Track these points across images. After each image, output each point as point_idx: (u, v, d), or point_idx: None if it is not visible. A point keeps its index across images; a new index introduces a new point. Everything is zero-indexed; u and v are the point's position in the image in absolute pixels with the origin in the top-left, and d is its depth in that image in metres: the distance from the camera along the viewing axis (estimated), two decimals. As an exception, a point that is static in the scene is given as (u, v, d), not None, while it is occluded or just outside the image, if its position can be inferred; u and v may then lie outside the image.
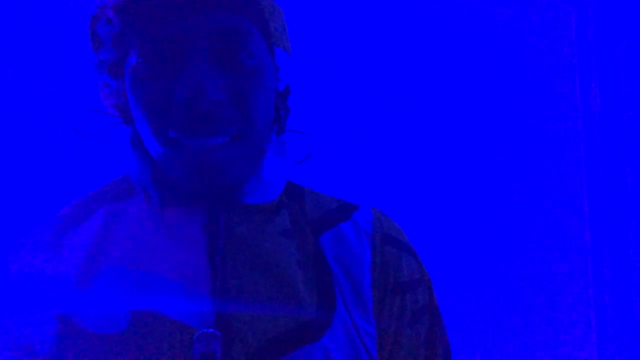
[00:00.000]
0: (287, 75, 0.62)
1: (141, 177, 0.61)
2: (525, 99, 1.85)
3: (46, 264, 0.58)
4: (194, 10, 0.53)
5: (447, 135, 1.86)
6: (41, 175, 1.74)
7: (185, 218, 0.59)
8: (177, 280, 0.55)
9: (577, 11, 1.85)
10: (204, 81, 0.52)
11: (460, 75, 1.86)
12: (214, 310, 0.55)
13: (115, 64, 0.59)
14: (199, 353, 0.52)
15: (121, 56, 0.58)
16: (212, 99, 0.53)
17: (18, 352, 0.55)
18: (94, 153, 1.59)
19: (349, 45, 1.87)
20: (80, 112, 0.63)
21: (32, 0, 1.79)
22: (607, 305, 1.75)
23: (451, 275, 1.77)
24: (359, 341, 0.58)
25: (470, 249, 1.80)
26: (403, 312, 0.63)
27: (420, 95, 1.87)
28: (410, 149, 1.85)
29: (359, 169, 1.82)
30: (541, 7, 1.86)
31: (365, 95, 1.85)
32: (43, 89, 1.77)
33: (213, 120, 0.54)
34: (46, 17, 1.79)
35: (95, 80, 0.60)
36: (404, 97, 1.87)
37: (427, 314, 0.65)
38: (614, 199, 1.76)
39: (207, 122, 0.54)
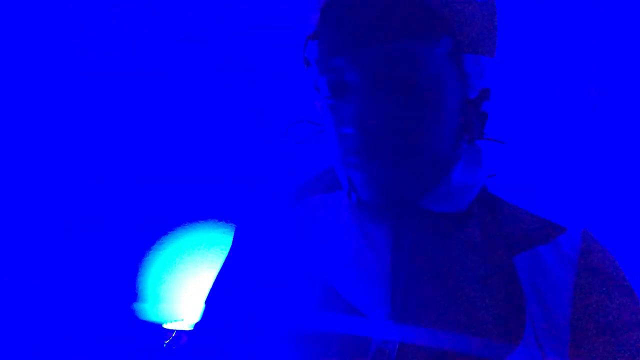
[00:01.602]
0: (481, 81, 0.60)
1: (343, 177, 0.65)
2: (525, 98, 1.84)
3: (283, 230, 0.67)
4: (370, 40, 0.55)
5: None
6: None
7: (375, 220, 0.62)
8: (361, 275, 0.59)
9: (577, 9, 1.84)
10: (368, 108, 0.55)
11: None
12: (391, 311, 0.57)
13: (319, 82, 0.64)
14: (377, 347, 0.54)
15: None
16: (374, 125, 0.55)
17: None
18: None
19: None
20: (290, 122, 0.71)
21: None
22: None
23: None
24: None
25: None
26: (608, 358, 0.55)
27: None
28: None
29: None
30: (541, 4, 1.85)
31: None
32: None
33: (376, 145, 0.56)
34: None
35: (311, 94, 0.68)
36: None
37: None
38: (615, 198, 1.76)
39: (371, 147, 0.56)
